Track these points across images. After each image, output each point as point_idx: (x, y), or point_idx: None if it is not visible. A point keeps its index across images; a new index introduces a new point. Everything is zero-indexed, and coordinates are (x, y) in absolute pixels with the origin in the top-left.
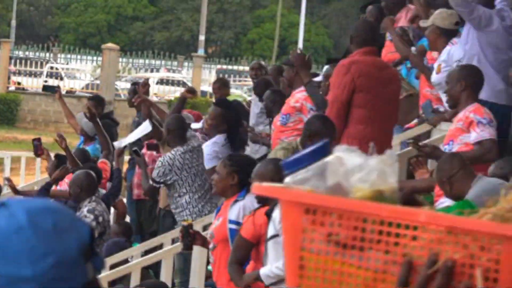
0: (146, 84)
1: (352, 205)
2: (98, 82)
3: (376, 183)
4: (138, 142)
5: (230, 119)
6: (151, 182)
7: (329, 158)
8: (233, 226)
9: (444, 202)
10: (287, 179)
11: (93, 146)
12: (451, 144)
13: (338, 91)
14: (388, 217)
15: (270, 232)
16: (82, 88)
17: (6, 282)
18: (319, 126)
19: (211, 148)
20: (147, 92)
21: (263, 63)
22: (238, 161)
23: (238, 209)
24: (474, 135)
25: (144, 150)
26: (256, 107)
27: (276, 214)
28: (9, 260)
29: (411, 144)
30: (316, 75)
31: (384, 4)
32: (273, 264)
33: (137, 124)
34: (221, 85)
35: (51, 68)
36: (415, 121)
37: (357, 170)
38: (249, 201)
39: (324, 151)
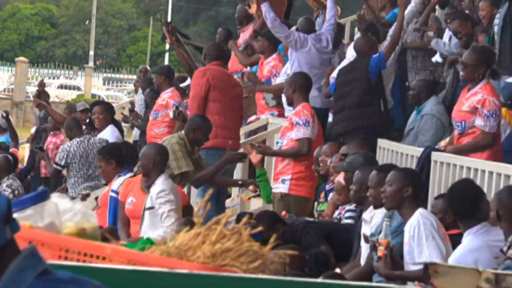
0: (41, 85)
1: (58, 240)
2: (13, 87)
3: (80, 222)
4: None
5: (112, 111)
6: (54, 165)
7: (47, 202)
8: (113, 195)
9: (277, 187)
10: (16, 215)
11: (5, 136)
12: (282, 139)
13: (197, 89)
14: (84, 249)
15: (148, 204)
16: (0, 91)
17: None
18: (199, 122)
19: (113, 136)
20: (46, 96)
21: (148, 67)
22: (108, 150)
23: (119, 182)
24: (293, 134)
25: (49, 138)
26: (141, 98)
27: (154, 189)
28: None
29: (249, 146)
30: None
31: (237, 15)
32: (154, 232)
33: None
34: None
35: None
36: (254, 117)
37: (66, 212)
38: (128, 177)
39: (44, 196)
